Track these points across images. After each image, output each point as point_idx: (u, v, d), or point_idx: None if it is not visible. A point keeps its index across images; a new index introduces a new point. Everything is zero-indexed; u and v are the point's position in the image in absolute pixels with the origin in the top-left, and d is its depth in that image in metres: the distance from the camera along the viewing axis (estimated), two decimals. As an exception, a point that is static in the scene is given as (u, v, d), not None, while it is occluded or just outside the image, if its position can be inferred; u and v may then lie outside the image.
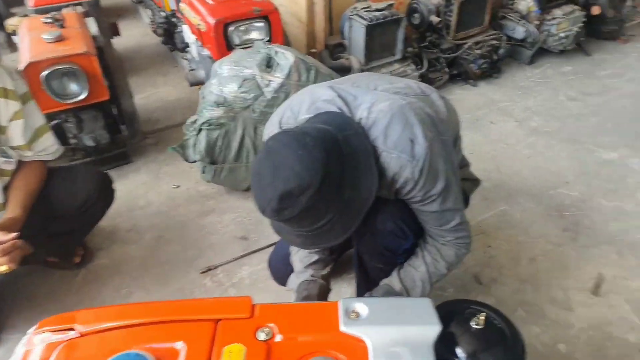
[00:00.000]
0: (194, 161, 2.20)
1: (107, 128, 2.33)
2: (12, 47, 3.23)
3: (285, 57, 2.12)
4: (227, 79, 2.12)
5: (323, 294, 1.44)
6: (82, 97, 2.15)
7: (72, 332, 0.96)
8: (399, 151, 1.13)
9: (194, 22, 2.51)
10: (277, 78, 2.10)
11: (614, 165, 2.47)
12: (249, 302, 0.99)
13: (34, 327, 1.02)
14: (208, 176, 2.26)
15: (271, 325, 0.94)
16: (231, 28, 2.38)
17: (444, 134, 1.25)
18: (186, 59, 3.14)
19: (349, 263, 1.81)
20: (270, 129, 1.35)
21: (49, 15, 2.33)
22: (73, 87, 2.13)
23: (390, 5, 2.75)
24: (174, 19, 3.26)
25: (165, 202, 2.36)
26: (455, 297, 1.78)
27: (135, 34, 4.15)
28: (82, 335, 0.95)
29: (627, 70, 3.29)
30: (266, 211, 1.05)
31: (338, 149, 1.05)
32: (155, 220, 2.24)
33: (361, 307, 0.97)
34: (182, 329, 0.93)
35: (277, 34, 2.48)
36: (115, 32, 3.04)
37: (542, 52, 3.39)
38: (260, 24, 2.42)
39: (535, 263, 1.97)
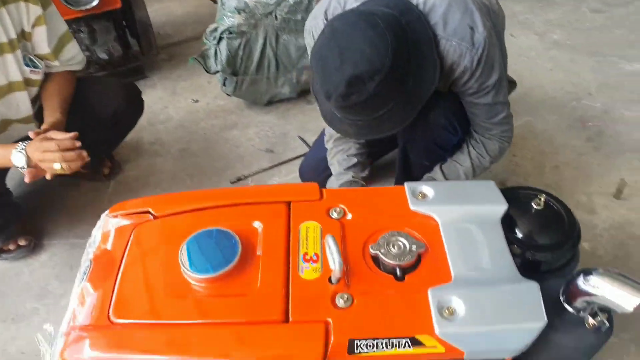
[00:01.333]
0: (216, 72, 2.15)
1: (119, 41, 2.25)
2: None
3: (310, -42, 2.02)
4: (248, -17, 2.02)
5: None
6: (94, 3, 2.05)
7: (147, 215, 0.97)
8: (459, 39, 1.10)
9: None
10: (301, -18, 2.01)
11: (638, 77, 2.46)
12: (317, 187, 1.00)
13: (106, 212, 1.04)
14: (229, 89, 2.22)
15: (342, 206, 0.96)
16: None
17: (497, 26, 1.22)
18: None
19: (385, 167, 1.83)
20: (312, 23, 1.29)
21: None
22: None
23: None
24: None
25: (185, 116, 2.33)
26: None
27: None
28: (157, 218, 0.97)
29: (651, -19, 3.18)
30: (332, 97, 1.02)
31: (405, 34, 1.02)
32: (178, 133, 2.23)
33: (427, 189, 0.99)
34: (257, 211, 0.95)
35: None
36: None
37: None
38: None
39: (559, 171, 2.01)
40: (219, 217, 0.94)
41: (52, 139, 1.37)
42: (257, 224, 0.93)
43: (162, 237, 0.96)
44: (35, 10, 1.49)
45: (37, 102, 1.62)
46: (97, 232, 1.01)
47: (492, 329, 0.79)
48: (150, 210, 0.98)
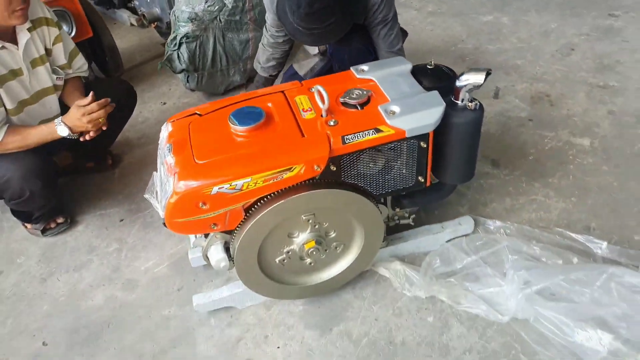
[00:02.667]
0: (181, 70, 2.68)
1: (96, 62, 2.72)
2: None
3: (237, -27, 2.64)
4: (193, -2, 2.60)
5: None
6: (72, 35, 2.51)
7: (195, 115, 1.50)
8: None
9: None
10: (234, -10, 2.62)
11: (491, 24, 3.31)
12: (298, 82, 1.58)
13: (166, 121, 1.54)
14: (192, 84, 2.75)
15: (317, 86, 1.54)
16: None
17: None
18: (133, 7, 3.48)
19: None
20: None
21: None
22: (64, 27, 2.49)
23: None
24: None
25: (159, 115, 2.82)
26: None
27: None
28: (203, 115, 1.50)
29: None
30: (301, 6, 1.59)
31: None
32: (158, 127, 2.64)
33: (365, 66, 1.61)
34: (265, 99, 1.52)
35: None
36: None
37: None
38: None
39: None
40: (245, 105, 1.48)
41: (79, 106, 1.81)
42: (269, 104, 1.48)
43: (211, 120, 1.49)
44: (54, 31, 1.97)
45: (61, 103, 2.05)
46: (163, 134, 1.51)
47: (416, 115, 1.40)
48: (197, 112, 1.51)
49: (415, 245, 1.84)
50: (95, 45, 2.76)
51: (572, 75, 2.74)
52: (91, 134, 1.85)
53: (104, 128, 1.86)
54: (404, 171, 1.51)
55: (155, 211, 2.18)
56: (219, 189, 1.31)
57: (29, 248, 2.09)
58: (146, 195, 1.51)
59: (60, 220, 2.13)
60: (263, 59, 2.16)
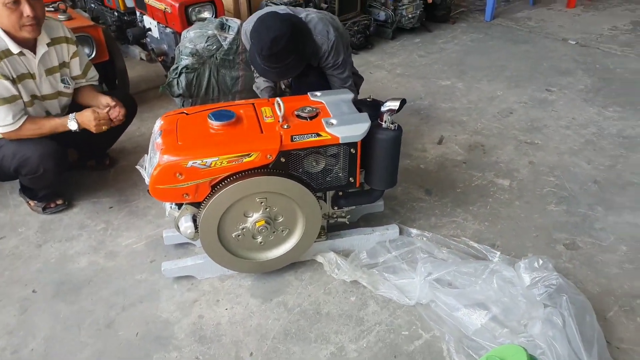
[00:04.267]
0: (178, 95, 3.17)
1: (106, 83, 3.22)
2: None
3: (234, 21, 3.21)
4: (196, 38, 3.15)
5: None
6: (92, 57, 3.03)
7: (183, 114, 1.96)
8: (322, 36, 2.29)
9: (160, 8, 3.50)
10: (230, 35, 3.18)
11: (448, 87, 3.90)
12: (267, 98, 2.07)
13: (160, 117, 1.99)
14: (187, 108, 3.23)
15: (278, 100, 2.01)
16: (190, 9, 3.42)
17: (343, 37, 2.44)
18: (144, 43, 4.06)
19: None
20: (246, 27, 2.41)
21: (50, 6, 3.17)
22: (85, 50, 3.01)
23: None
24: (125, 17, 4.18)
25: (155, 132, 3.28)
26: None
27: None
28: (189, 114, 1.97)
29: (454, 39, 4.86)
30: (263, 49, 2.11)
31: (296, 24, 2.18)
32: (152, 141, 3.16)
33: (318, 93, 2.10)
34: (239, 107, 1.99)
35: (220, 13, 3.56)
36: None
37: (399, 30, 4.84)
38: (209, 6, 3.48)
39: (406, 133, 3.23)
40: (222, 108, 1.95)
41: (95, 112, 2.28)
42: (241, 111, 1.96)
43: (194, 118, 1.95)
44: (72, 48, 2.47)
45: (65, 105, 2.50)
46: (157, 124, 1.96)
47: (348, 127, 1.87)
48: (185, 111, 1.97)
49: (349, 242, 2.25)
50: (108, 68, 3.27)
51: (506, 132, 3.27)
52: (93, 130, 2.29)
53: (104, 129, 2.31)
54: (339, 172, 1.96)
55: (139, 202, 2.60)
56: (193, 163, 1.75)
57: (29, 221, 2.47)
58: (137, 167, 1.93)
59: (59, 202, 2.53)
60: (260, 83, 2.64)
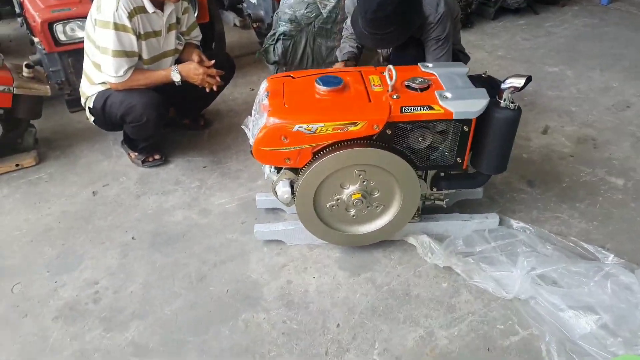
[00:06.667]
0: (274, 62, 3.16)
1: (204, 46, 3.26)
2: None
3: (336, -11, 3.13)
4: (296, 4, 3.10)
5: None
6: (195, 14, 3.07)
7: (290, 77, 1.92)
8: (431, 7, 2.14)
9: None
10: (330, 2, 3.10)
11: (555, 74, 3.60)
12: (373, 67, 1.98)
13: (265, 79, 1.97)
14: (280, 76, 3.22)
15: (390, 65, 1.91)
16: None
17: (453, 11, 2.27)
18: (240, 9, 4.07)
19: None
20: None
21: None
22: (190, 7, 3.06)
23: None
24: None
25: (246, 97, 3.31)
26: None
27: None
28: (295, 78, 1.92)
29: (564, 22, 4.48)
30: (368, 11, 2.01)
31: None
32: (244, 106, 3.18)
33: (429, 64, 1.98)
34: (345, 74, 1.92)
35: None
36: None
37: (502, 10, 4.53)
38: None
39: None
40: (329, 75, 1.89)
41: (201, 66, 2.31)
42: (348, 78, 1.88)
43: (301, 82, 1.90)
44: (185, 4, 2.51)
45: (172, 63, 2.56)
46: (263, 86, 1.94)
47: (464, 102, 1.74)
48: (291, 74, 1.93)
49: (444, 227, 2.14)
50: (207, 31, 3.30)
51: (622, 127, 2.97)
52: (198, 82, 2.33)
53: (208, 90, 2.33)
54: (445, 150, 1.85)
55: (232, 165, 2.63)
56: (299, 127, 1.71)
57: (129, 172, 2.58)
58: (243, 126, 1.93)
59: (157, 156, 2.61)
60: (343, 46, 2.52)
